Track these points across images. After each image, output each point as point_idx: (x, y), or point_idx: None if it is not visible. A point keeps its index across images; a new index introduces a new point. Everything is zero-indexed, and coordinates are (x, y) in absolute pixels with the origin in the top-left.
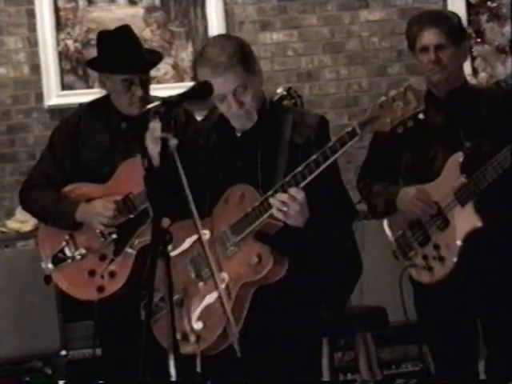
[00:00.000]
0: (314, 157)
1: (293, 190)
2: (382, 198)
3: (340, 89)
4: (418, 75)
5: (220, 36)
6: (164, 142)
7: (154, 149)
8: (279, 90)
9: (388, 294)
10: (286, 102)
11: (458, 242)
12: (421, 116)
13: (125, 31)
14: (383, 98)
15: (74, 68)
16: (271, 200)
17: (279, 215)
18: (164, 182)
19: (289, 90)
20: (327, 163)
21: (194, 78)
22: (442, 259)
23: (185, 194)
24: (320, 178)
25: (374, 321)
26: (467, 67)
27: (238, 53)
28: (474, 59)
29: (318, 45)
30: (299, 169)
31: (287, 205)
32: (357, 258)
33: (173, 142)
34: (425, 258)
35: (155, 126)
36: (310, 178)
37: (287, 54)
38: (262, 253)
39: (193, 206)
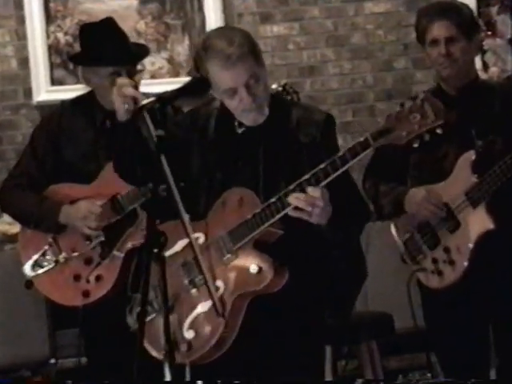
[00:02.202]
0: (322, 166)
1: (311, 191)
2: (389, 198)
3: (343, 84)
4: (426, 70)
5: (222, 28)
6: (159, 139)
7: (120, 106)
8: (274, 86)
9: (395, 300)
10: None
11: (470, 245)
12: (438, 130)
13: (109, 23)
14: (399, 109)
15: (64, 62)
16: (291, 199)
17: (303, 215)
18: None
19: (284, 85)
20: (336, 174)
21: (197, 73)
22: (452, 263)
23: (174, 198)
24: (332, 181)
25: (380, 328)
26: (477, 61)
27: (247, 42)
28: (484, 53)
29: (321, 38)
30: (306, 177)
31: (310, 204)
32: (362, 262)
33: (158, 132)
34: (434, 261)
35: (123, 81)
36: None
37: (288, 47)
38: (263, 263)
39: (182, 209)
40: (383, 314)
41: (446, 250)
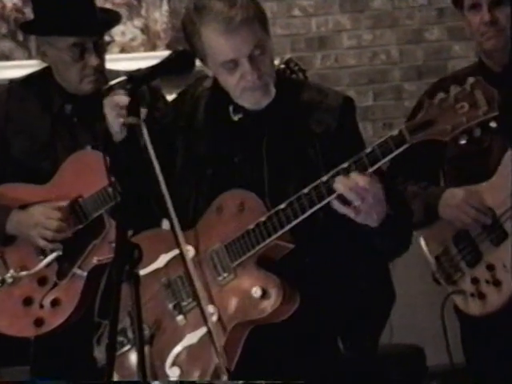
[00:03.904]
0: (345, 165)
1: (361, 179)
2: (419, 202)
3: (362, 59)
4: (465, 41)
5: None
6: (131, 128)
7: (114, 121)
8: (275, 63)
9: (426, 330)
10: None
11: None
12: (492, 124)
13: None
14: (442, 96)
15: (11, 32)
16: (336, 185)
17: (347, 211)
18: (127, 167)
19: (288, 62)
20: None
21: (187, 42)
22: (497, 284)
23: (158, 193)
24: None
25: (408, 364)
26: None
27: (252, 4)
28: None
29: (334, 2)
30: (324, 179)
31: (359, 195)
32: (388, 280)
33: (142, 111)
34: (475, 281)
35: (120, 94)
36: (335, 194)
37: (293, 13)
38: (268, 285)
39: (172, 212)
40: (412, 347)
41: (490, 268)
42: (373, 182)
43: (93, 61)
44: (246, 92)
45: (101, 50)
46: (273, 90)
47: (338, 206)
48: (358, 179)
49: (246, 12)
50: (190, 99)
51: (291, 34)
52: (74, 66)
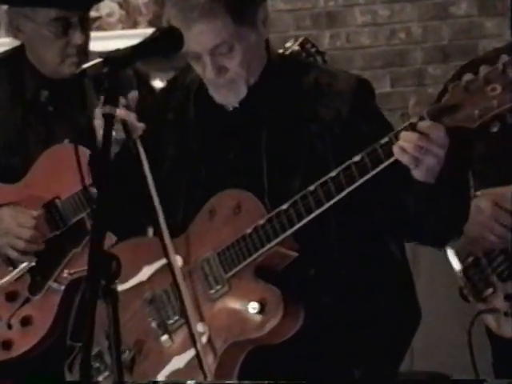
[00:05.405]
0: (356, 158)
1: (425, 126)
2: None
3: (378, 39)
4: (498, 17)
5: None
6: (108, 120)
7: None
8: (288, 44)
9: (452, 354)
10: None
11: None
12: None
13: None
14: (470, 77)
15: None
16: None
17: (408, 161)
18: (108, 177)
19: (303, 43)
20: (377, 170)
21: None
22: None
23: (148, 199)
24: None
25: None
26: None
27: None
28: None
29: None
30: (333, 174)
31: (422, 148)
32: (413, 296)
33: (138, 126)
34: (509, 298)
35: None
36: (346, 192)
37: None
38: (267, 299)
39: (161, 217)
40: (436, 374)
41: None
42: (440, 129)
43: (77, 38)
44: (211, 86)
45: (86, 26)
46: (242, 89)
47: (398, 154)
48: (424, 127)
49: (213, 3)
50: (181, 87)
51: (295, 8)
52: (54, 43)
